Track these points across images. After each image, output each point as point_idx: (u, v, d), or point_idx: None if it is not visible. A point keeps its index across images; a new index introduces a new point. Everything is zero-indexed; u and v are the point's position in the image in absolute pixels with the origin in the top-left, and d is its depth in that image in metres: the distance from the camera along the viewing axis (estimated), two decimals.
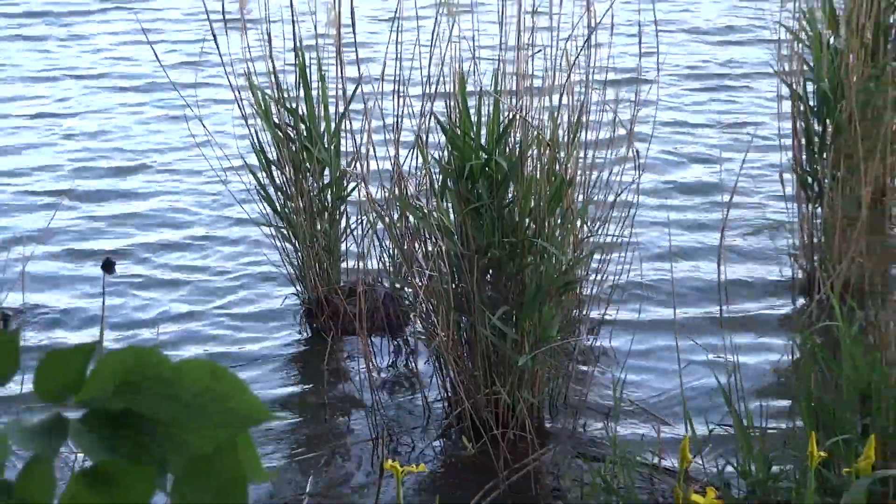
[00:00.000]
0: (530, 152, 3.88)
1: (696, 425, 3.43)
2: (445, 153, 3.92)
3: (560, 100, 4.02)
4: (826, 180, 4.73)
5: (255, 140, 4.68)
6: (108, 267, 4.49)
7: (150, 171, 6.28)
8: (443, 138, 3.94)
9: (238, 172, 4.93)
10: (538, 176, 3.84)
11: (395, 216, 4.06)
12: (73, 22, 8.99)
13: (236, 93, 4.61)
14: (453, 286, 3.88)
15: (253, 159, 4.77)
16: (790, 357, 4.38)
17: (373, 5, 8.16)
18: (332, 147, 4.65)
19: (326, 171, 4.68)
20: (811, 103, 4.78)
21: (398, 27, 4.09)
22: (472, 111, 3.90)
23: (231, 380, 1.02)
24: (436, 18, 4.02)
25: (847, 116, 4.59)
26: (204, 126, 5.01)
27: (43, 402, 1.01)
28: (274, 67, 4.62)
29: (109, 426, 1.00)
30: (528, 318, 3.83)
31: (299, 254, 4.71)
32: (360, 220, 4.64)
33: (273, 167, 4.66)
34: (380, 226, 4.26)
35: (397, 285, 4.45)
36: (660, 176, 5.95)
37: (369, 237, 4.53)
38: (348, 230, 4.76)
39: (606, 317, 4.45)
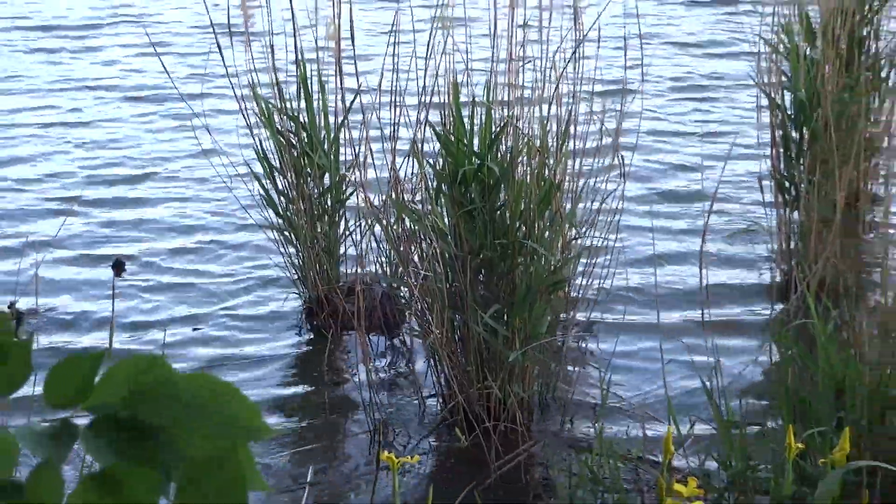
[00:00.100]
0: (520, 158, 3.89)
1: (680, 423, 3.44)
2: (440, 159, 3.93)
3: (549, 109, 4.03)
4: (803, 185, 4.75)
5: (259, 147, 4.68)
6: (117, 267, 4.49)
7: (158, 179, 6.27)
8: (437, 145, 3.94)
9: (243, 179, 4.94)
10: (528, 180, 3.85)
11: (392, 219, 4.07)
12: (86, 35, 8.99)
13: (241, 102, 4.62)
14: (447, 286, 3.89)
15: (257, 167, 4.78)
16: (769, 357, 4.38)
17: (371, 19, 8.17)
18: (332, 153, 4.66)
19: (326, 177, 4.69)
20: (789, 112, 4.80)
21: (395, 40, 4.11)
22: (465, 120, 3.91)
23: (234, 393, 1.02)
24: (431, 32, 4.03)
25: (823, 124, 4.60)
26: (210, 134, 5.03)
27: (53, 409, 1.01)
28: (277, 78, 4.63)
29: (116, 432, 1.00)
30: (518, 316, 3.84)
31: (300, 255, 4.72)
32: (358, 223, 4.65)
33: (276, 172, 4.68)
34: (377, 228, 4.28)
35: (394, 285, 4.46)
36: (644, 183, 5.95)
37: (367, 239, 4.55)
38: (347, 232, 4.77)
39: (593, 318, 4.46)
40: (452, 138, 3.87)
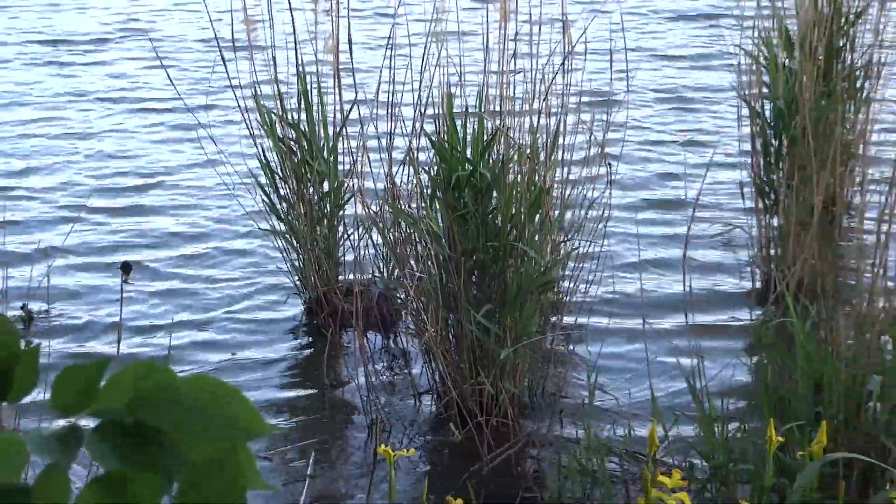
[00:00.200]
0: (511, 164, 3.89)
1: (665, 422, 3.44)
2: (434, 165, 3.94)
3: (539, 118, 4.03)
4: (782, 190, 4.75)
5: (262, 155, 4.69)
6: (125, 269, 4.49)
7: (164, 187, 6.26)
8: (432, 152, 3.95)
9: (247, 187, 4.94)
10: (519, 185, 3.85)
11: (389, 223, 4.07)
12: (95, 49, 8.98)
13: (244, 113, 4.62)
14: (441, 286, 3.89)
15: (259, 174, 4.78)
16: (750, 357, 4.38)
17: (368, 33, 8.16)
18: (331, 160, 4.67)
19: (325, 182, 4.69)
20: (769, 120, 4.80)
21: (391, 53, 4.11)
22: (458, 128, 3.91)
23: (234, 395, 1.02)
24: (425, 45, 4.04)
25: (801, 131, 4.61)
26: (215, 143, 5.02)
27: (59, 414, 1.01)
28: (278, 89, 4.63)
29: (121, 437, 1.00)
30: (509, 315, 3.84)
31: (301, 257, 4.73)
32: (356, 226, 4.66)
33: (277, 178, 4.69)
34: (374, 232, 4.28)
35: (390, 285, 4.46)
36: (630, 191, 5.94)
37: (365, 241, 4.55)
38: (346, 235, 4.77)
39: (580, 322, 4.46)
40: (446, 145, 3.87)
